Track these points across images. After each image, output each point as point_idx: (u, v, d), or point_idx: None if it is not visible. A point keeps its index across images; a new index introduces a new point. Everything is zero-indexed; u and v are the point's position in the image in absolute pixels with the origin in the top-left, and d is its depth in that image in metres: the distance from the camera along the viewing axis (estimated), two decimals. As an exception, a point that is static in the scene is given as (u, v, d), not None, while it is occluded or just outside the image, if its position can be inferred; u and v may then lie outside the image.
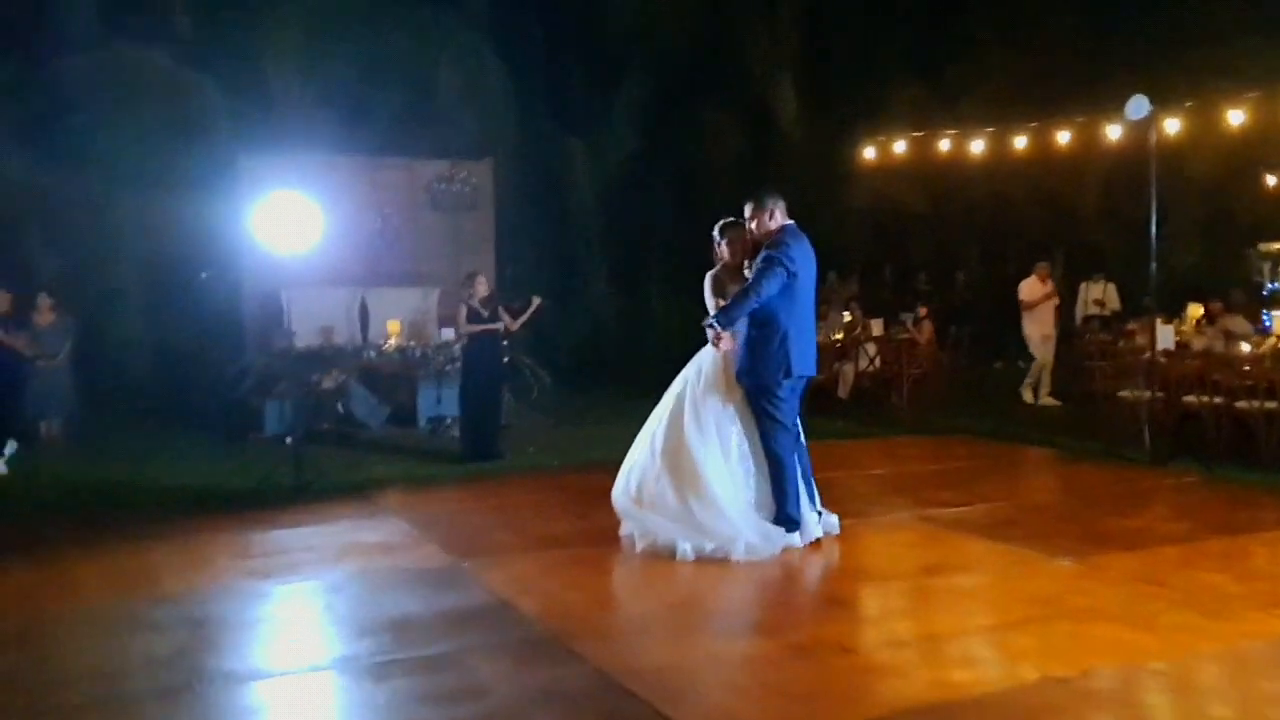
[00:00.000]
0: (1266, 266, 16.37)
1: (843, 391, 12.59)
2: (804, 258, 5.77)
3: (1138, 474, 8.35)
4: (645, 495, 5.91)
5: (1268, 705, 3.84)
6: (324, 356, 11.41)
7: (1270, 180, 15.84)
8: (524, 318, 10.15)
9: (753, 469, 5.80)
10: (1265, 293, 15.97)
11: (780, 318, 5.72)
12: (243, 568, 5.80)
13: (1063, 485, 8.45)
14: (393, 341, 11.68)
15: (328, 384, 11.35)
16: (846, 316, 13.29)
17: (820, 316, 13.77)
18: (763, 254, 5.73)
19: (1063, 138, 13.00)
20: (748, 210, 5.96)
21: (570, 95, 15.99)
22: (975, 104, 16.23)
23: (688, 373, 6.05)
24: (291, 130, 13.60)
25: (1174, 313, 12.61)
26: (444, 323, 12.45)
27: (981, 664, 4.25)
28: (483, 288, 9.53)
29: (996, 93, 16.73)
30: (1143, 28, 17.72)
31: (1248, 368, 8.78)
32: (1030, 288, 12.84)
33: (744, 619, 5.14)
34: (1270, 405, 8.36)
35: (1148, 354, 9.14)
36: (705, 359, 5.99)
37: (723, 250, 6.08)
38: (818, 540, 5.97)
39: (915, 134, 14.91)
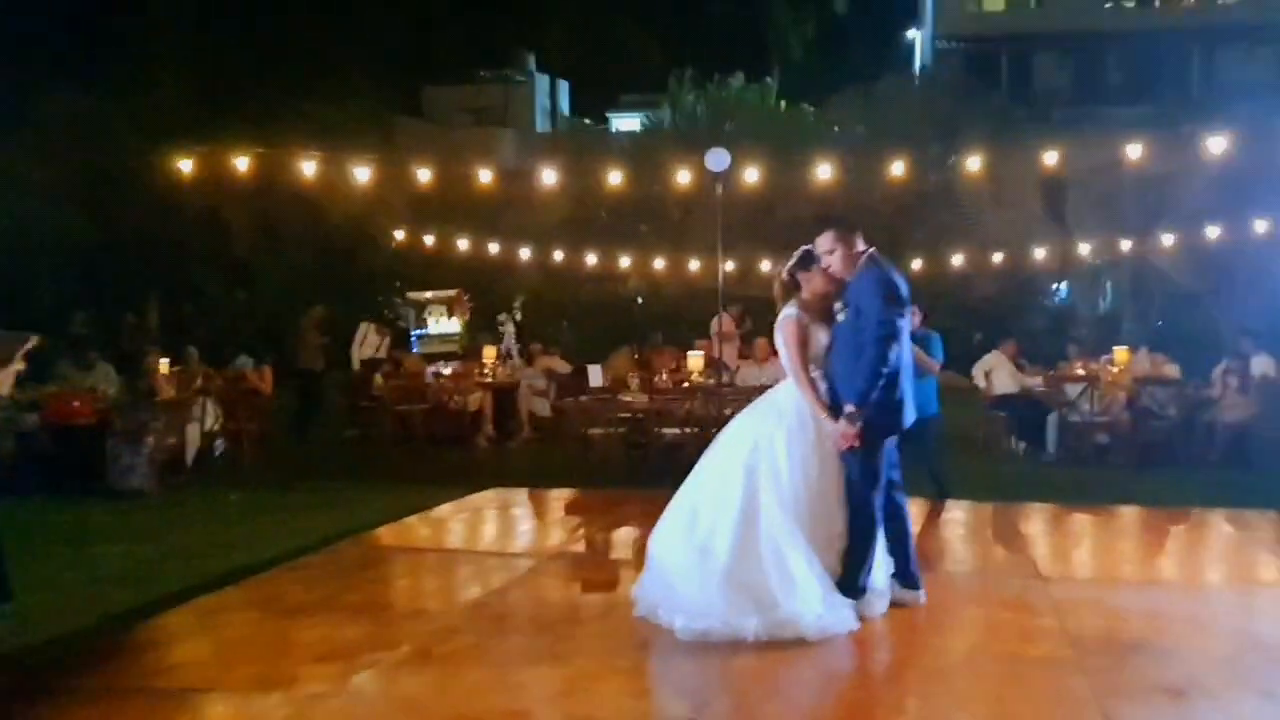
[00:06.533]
0: (411, 313, 18.32)
1: (189, 456, 10.42)
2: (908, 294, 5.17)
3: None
4: (735, 576, 4.96)
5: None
6: None
7: (399, 235, 17.65)
8: None
9: (827, 532, 5.13)
10: (413, 335, 17.96)
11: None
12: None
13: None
14: None
15: None
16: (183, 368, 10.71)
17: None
18: (879, 304, 4.99)
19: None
20: (828, 242, 5.13)
21: None
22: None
23: (756, 432, 5.17)
24: None
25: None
26: None
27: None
28: None
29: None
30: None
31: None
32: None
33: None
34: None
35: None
36: (788, 416, 5.13)
37: (814, 282, 5.22)
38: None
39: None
